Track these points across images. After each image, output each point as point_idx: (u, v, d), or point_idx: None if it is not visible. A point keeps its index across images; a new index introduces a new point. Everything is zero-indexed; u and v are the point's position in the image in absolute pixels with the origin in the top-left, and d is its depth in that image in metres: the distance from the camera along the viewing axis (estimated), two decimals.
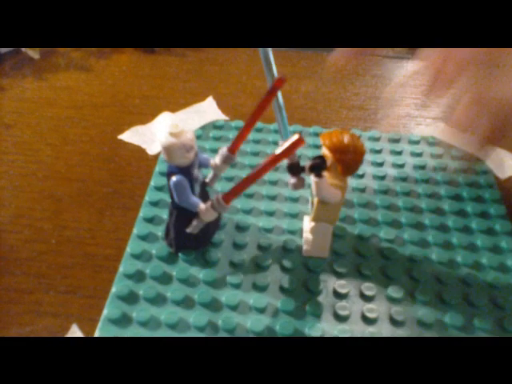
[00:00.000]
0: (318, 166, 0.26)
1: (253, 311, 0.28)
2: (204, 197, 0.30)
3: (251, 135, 0.40)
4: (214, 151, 0.39)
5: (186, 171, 0.27)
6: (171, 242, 0.31)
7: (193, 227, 0.28)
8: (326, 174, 0.27)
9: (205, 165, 0.30)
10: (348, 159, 0.26)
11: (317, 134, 0.41)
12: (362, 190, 0.36)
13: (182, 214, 0.29)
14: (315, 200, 0.28)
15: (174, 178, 0.27)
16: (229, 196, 0.27)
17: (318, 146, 0.39)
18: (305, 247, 0.31)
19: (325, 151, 0.27)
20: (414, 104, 0.48)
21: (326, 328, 0.27)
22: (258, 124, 0.41)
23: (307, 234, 0.31)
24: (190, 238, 0.29)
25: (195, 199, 0.28)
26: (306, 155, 0.38)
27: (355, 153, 0.26)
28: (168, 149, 0.26)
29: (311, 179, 0.27)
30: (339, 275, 0.30)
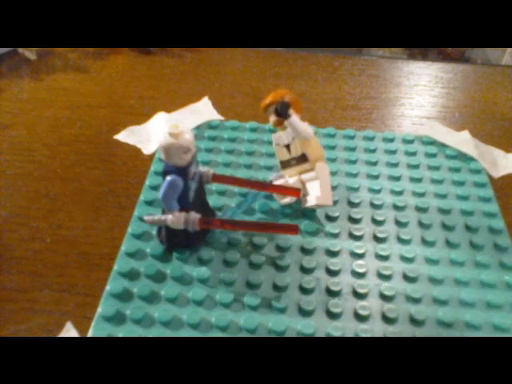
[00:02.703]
0: (283, 107, 0.31)
1: (246, 309, 0.28)
2: (200, 196, 0.31)
3: (246, 135, 0.41)
4: (210, 151, 0.39)
5: (182, 171, 0.28)
6: (163, 239, 0.31)
7: (151, 219, 0.29)
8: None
9: (206, 178, 0.31)
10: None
11: None
12: (356, 189, 0.36)
13: None
14: (297, 147, 0.32)
15: (169, 177, 0.27)
16: (204, 224, 0.29)
17: None
18: (313, 197, 0.32)
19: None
20: (409, 103, 0.48)
21: (318, 325, 0.28)
22: (253, 124, 0.42)
23: (308, 185, 0.33)
24: (181, 236, 0.30)
25: (174, 204, 0.28)
26: None
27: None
28: (166, 149, 0.27)
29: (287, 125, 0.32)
30: (332, 273, 0.30)
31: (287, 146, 0.33)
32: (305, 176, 0.33)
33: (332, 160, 0.38)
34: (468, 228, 0.34)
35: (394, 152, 0.40)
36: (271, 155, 0.39)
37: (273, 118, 0.32)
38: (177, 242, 0.31)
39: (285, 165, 0.34)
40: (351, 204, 0.35)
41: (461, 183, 0.37)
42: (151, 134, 0.41)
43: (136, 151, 0.40)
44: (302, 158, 0.32)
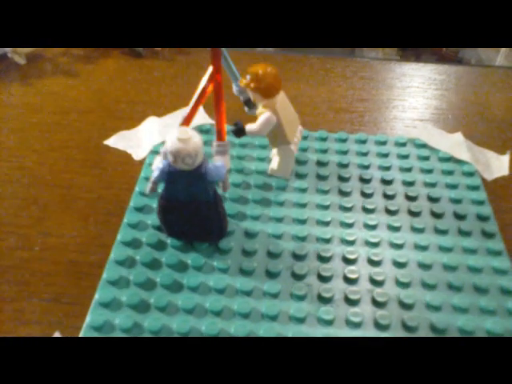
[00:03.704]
0: (239, 129, 0.34)
1: (236, 316, 0.28)
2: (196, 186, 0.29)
3: (237, 139, 0.40)
4: None
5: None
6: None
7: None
8: (259, 106, 0.33)
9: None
10: (261, 86, 0.32)
11: (303, 138, 0.40)
12: (348, 194, 0.36)
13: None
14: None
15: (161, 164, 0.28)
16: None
17: (304, 149, 0.39)
18: (270, 167, 0.37)
19: (249, 92, 0.34)
20: (402, 106, 0.48)
21: (310, 332, 0.27)
22: None
23: (274, 157, 0.37)
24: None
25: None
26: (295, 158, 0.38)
27: (265, 77, 0.32)
28: (173, 154, 0.27)
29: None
30: (324, 279, 0.30)
31: None
32: (273, 151, 0.37)
33: (324, 163, 0.38)
34: (461, 232, 0.33)
35: (386, 155, 0.39)
36: (262, 159, 0.38)
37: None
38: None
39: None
40: (343, 208, 0.35)
41: (454, 186, 0.37)
42: (142, 139, 0.40)
43: (126, 157, 0.39)
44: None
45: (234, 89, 0.36)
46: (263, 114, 0.33)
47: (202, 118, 0.43)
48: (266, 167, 0.37)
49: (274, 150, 0.36)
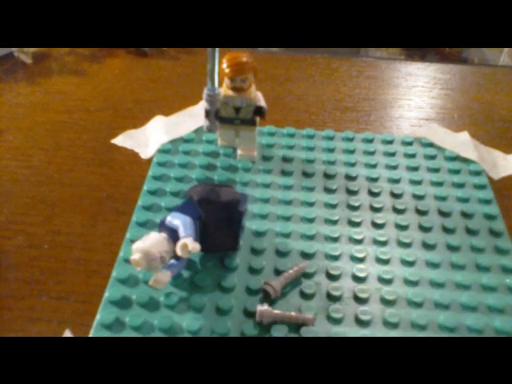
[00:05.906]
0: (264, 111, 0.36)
1: (246, 316, 0.28)
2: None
3: (264, 139, 0.40)
4: (207, 154, 0.39)
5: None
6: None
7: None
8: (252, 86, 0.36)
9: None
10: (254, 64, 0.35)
11: (310, 137, 0.41)
12: (355, 192, 0.36)
13: None
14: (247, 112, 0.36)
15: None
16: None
17: (311, 148, 0.39)
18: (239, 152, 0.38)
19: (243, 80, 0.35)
20: (408, 105, 0.48)
21: (319, 331, 0.27)
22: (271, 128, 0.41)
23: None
24: None
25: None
26: (299, 157, 0.38)
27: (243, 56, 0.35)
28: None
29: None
30: (333, 278, 0.30)
31: (236, 108, 0.36)
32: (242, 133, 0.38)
33: (331, 163, 0.38)
34: (468, 231, 0.33)
35: (393, 154, 0.39)
36: (267, 158, 0.38)
37: (231, 85, 0.35)
38: None
39: (226, 120, 0.37)
40: (351, 207, 0.35)
41: (461, 185, 0.37)
42: (149, 138, 0.41)
43: (134, 155, 0.39)
44: (250, 122, 0.36)
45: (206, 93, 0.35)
46: (259, 93, 0.36)
47: (194, 123, 0.42)
48: (271, 166, 0.37)
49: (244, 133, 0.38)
